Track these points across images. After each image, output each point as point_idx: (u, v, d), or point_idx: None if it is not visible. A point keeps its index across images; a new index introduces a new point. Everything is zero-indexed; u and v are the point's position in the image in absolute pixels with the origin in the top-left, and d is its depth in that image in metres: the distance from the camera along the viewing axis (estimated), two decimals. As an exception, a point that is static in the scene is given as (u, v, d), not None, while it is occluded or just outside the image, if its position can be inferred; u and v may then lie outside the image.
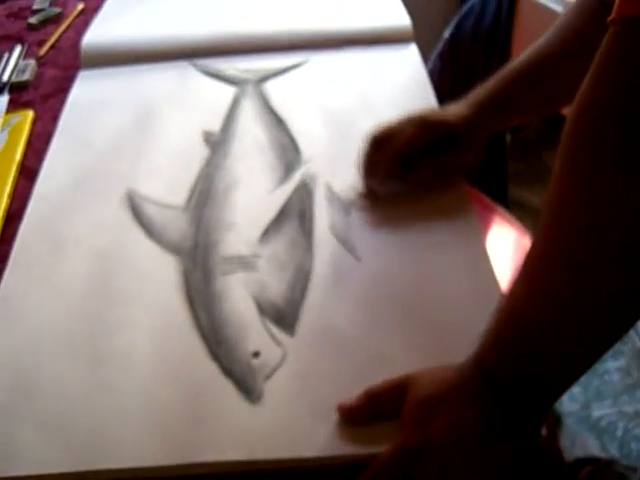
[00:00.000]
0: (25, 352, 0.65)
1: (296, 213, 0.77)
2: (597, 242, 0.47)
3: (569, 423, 1.45)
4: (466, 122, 0.77)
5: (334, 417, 0.59)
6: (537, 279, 0.52)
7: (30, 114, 0.97)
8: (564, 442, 1.41)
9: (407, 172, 0.77)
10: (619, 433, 1.44)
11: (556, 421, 1.43)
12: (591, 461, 1.35)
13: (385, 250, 0.73)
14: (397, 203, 0.78)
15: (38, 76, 1.06)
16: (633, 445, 1.42)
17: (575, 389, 1.50)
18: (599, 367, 1.54)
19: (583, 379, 1.55)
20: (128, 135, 0.90)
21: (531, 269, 0.53)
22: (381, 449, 0.55)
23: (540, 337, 0.52)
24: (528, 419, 0.55)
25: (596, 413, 1.47)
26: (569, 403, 1.48)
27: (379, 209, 0.78)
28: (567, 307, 0.50)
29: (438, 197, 0.78)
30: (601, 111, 0.45)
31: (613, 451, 1.41)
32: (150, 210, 0.79)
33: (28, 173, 0.87)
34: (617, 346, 1.52)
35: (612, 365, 1.55)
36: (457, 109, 0.78)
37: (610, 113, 0.45)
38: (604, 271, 0.48)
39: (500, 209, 1.14)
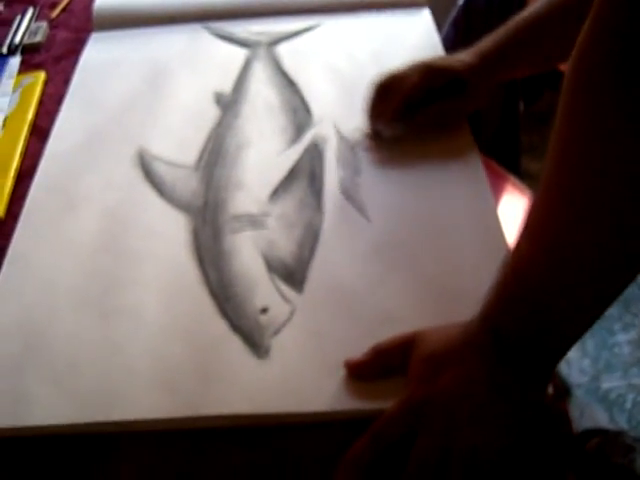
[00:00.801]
0: (36, 308, 0.66)
1: (306, 173, 0.77)
2: (601, 187, 0.46)
3: (578, 395, 1.45)
4: (470, 69, 0.78)
5: (341, 373, 0.59)
6: (540, 231, 0.52)
7: (42, 75, 0.96)
8: (573, 413, 1.41)
9: (411, 116, 0.79)
10: (628, 405, 1.44)
11: (565, 392, 1.43)
12: (599, 432, 1.35)
13: (395, 210, 0.72)
14: (402, 145, 0.80)
15: (50, 38, 1.06)
16: (642, 417, 1.42)
17: (585, 361, 1.50)
18: (609, 339, 1.54)
19: (593, 351, 1.55)
20: (139, 96, 0.90)
21: (534, 222, 0.52)
22: (387, 404, 0.55)
23: (544, 291, 0.52)
24: (534, 376, 0.55)
25: (605, 385, 1.47)
26: (578, 375, 1.48)
27: (385, 150, 0.80)
28: (569, 258, 0.50)
29: (442, 141, 0.80)
30: (599, 54, 0.45)
31: (622, 423, 1.41)
32: (161, 169, 0.79)
33: (40, 133, 0.87)
34: (628, 319, 1.53)
35: (622, 338, 1.55)
36: (462, 56, 0.79)
37: (608, 56, 0.44)
38: (607, 218, 0.47)
39: (513, 178, 1.13)
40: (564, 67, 0.49)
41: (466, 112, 0.83)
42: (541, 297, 0.52)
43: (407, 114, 0.79)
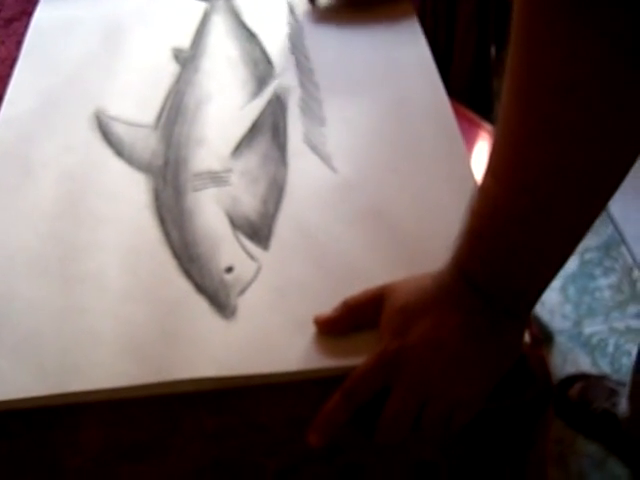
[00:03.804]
0: (-6, 278, 0.64)
1: (269, 126, 0.74)
2: (555, 108, 0.44)
3: (561, 341, 1.45)
4: None
5: (311, 330, 0.58)
6: (505, 164, 0.49)
7: (-7, 38, 0.93)
8: (555, 359, 1.42)
9: None
10: (610, 349, 1.44)
11: (548, 339, 1.43)
12: (582, 377, 1.36)
13: (361, 159, 0.70)
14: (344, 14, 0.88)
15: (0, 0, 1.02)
16: (624, 360, 1.42)
17: (566, 307, 1.50)
18: (590, 284, 1.53)
19: (574, 297, 1.55)
20: (95, 55, 0.87)
21: (496, 158, 0.50)
22: (359, 361, 0.54)
23: (510, 231, 0.50)
24: (509, 322, 0.54)
25: (587, 330, 1.47)
26: (561, 321, 1.48)
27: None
28: (541, 188, 0.48)
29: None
30: None
31: (604, 367, 1.42)
32: (119, 129, 0.76)
33: (-7, 99, 0.84)
34: (608, 263, 1.53)
35: (603, 282, 1.55)
36: None
37: None
38: (567, 138, 0.45)
39: (485, 124, 1.12)
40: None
41: None
42: (508, 238, 0.51)
43: None
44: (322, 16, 0.89)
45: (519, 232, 0.50)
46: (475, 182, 0.67)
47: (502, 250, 0.51)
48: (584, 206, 0.49)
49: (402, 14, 0.87)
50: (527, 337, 0.57)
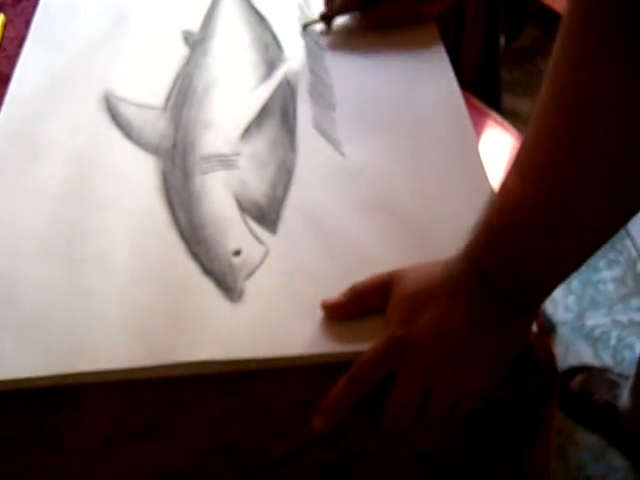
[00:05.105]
0: (2, 257, 0.63)
1: (278, 110, 0.74)
2: (598, 125, 0.44)
3: (563, 332, 1.45)
4: None
5: (318, 315, 0.57)
6: (534, 171, 0.49)
7: (1, 17, 0.92)
8: (558, 351, 1.42)
9: (371, 8, 0.81)
10: (612, 342, 1.45)
11: (550, 330, 1.43)
12: (584, 369, 1.36)
13: (371, 146, 0.70)
14: (363, 38, 0.82)
15: (9, -21, 1.01)
16: (626, 353, 1.42)
17: (570, 299, 1.50)
18: (594, 276, 1.53)
19: (578, 289, 1.55)
20: (104, 36, 0.86)
21: (527, 160, 0.50)
22: (366, 347, 0.54)
23: (530, 231, 0.50)
24: (517, 314, 0.54)
25: (590, 322, 1.47)
26: (564, 312, 1.48)
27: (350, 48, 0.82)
28: (567, 200, 0.48)
29: (406, 33, 0.81)
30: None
31: (606, 359, 1.42)
32: (128, 111, 0.76)
33: (1, 78, 0.84)
34: (612, 256, 1.53)
35: (607, 275, 1.54)
36: None
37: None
38: (604, 160, 0.45)
39: (494, 114, 1.11)
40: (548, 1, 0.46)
41: (430, 14, 0.83)
42: (527, 237, 0.51)
43: (366, 7, 0.80)
44: (339, 41, 0.83)
45: (541, 237, 0.50)
46: (485, 171, 0.67)
47: (520, 251, 0.51)
48: (608, 222, 0.49)
49: (427, 40, 0.83)
50: (534, 326, 0.57)
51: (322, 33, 0.83)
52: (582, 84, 0.44)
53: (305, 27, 0.83)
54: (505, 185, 0.52)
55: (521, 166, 0.50)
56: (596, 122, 0.44)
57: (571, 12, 0.44)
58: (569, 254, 0.51)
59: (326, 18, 0.83)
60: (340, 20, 0.84)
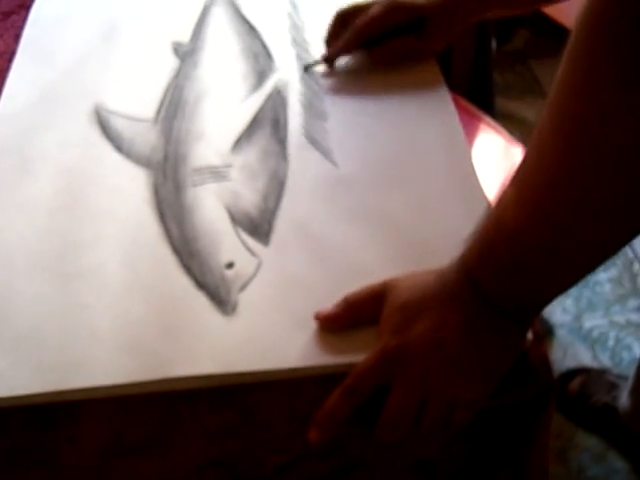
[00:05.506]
0: (-7, 274, 0.63)
1: (269, 121, 0.74)
2: (602, 159, 0.44)
3: (561, 334, 1.45)
4: (440, 7, 0.76)
5: (311, 327, 0.57)
6: (532, 192, 0.49)
7: (-9, 32, 0.92)
8: (556, 353, 1.42)
9: (373, 48, 0.79)
10: (610, 343, 1.44)
11: (548, 333, 1.43)
12: (583, 371, 1.36)
13: (362, 155, 0.70)
14: (367, 83, 0.80)
15: (-2, -7, 1.01)
16: (624, 354, 1.42)
17: (567, 301, 1.49)
18: (591, 278, 1.53)
19: (575, 291, 1.54)
20: (94, 49, 0.86)
21: (525, 181, 0.50)
22: (360, 358, 0.54)
23: (526, 245, 0.50)
24: (512, 325, 0.54)
25: (588, 324, 1.47)
26: (561, 314, 1.48)
27: (349, 86, 0.80)
28: (564, 224, 0.48)
29: (410, 80, 0.79)
30: (607, 31, 0.41)
31: (604, 361, 1.42)
32: (118, 124, 0.75)
33: (-9, 93, 0.84)
34: (608, 256, 1.50)
35: (604, 276, 1.54)
36: None
37: (616, 33, 0.41)
38: (606, 188, 0.45)
39: (487, 118, 1.11)
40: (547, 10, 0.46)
41: (431, 51, 0.81)
42: (522, 254, 0.50)
43: (368, 46, 0.79)
44: (341, 82, 0.81)
45: (533, 248, 0.50)
46: (478, 180, 0.67)
47: (515, 266, 0.51)
48: (605, 243, 0.48)
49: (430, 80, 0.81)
50: (529, 334, 0.56)
51: (323, 75, 0.81)
52: (589, 118, 0.44)
53: (307, 69, 0.81)
54: (502, 200, 0.52)
55: (519, 184, 0.50)
56: (601, 157, 0.44)
57: (580, 45, 0.43)
58: (564, 273, 0.51)
59: (328, 60, 0.81)
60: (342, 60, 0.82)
